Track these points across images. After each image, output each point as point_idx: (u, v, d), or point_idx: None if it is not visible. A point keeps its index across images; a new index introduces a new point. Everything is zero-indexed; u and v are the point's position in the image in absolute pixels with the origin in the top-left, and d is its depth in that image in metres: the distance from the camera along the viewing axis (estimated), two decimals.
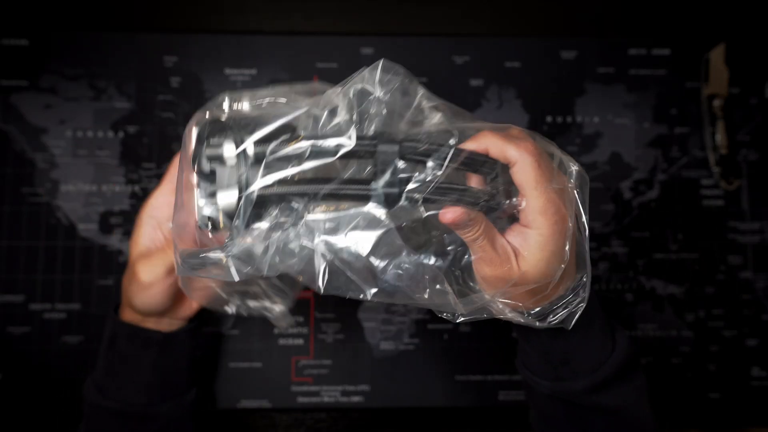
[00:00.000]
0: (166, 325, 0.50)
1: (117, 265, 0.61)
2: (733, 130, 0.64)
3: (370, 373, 0.61)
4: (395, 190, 0.35)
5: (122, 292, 0.49)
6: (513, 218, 0.39)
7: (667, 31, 0.67)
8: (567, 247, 0.37)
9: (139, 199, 0.62)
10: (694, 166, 0.65)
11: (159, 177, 0.62)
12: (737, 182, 0.64)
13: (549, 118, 0.65)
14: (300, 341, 0.61)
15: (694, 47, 0.66)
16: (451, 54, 0.65)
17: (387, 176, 0.34)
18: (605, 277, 0.63)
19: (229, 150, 0.35)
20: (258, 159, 0.35)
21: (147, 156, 0.62)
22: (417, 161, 0.36)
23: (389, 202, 0.35)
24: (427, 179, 0.35)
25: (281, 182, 0.35)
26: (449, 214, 0.35)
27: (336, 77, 0.64)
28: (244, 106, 0.38)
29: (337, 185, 0.35)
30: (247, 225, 0.36)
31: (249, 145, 0.35)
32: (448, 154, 0.35)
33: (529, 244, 0.37)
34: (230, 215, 0.36)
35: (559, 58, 0.66)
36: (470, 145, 0.37)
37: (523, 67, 0.65)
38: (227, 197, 0.35)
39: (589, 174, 0.63)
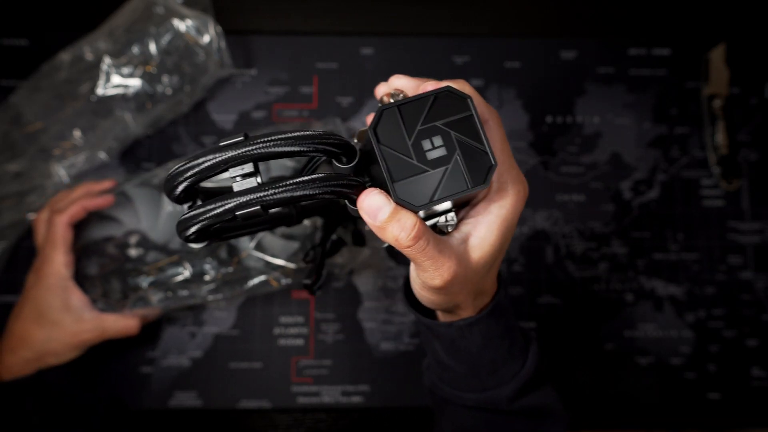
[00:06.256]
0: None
1: None
2: (733, 130, 0.64)
3: (370, 373, 0.61)
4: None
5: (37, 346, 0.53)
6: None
7: (667, 31, 0.67)
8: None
9: None
10: (694, 166, 0.65)
11: None
12: (737, 182, 0.64)
13: (549, 118, 0.65)
14: (300, 341, 0.61)
15: (694, 47, 0.66)
16: (451, 54, 0.65)
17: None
18: (605, 277, 0.63)
19: None
20: None
21: (147, 156, 0.62)
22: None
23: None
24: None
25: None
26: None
27: (336, 77, 0.64)
28: None
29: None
30: None
31: None
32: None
33: (487, 221, 0.33)
34: None
35: (559, 58, 0.66)
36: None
37: (523, 67, 0.65)
38: None
39: (589, 174, 0.64)
